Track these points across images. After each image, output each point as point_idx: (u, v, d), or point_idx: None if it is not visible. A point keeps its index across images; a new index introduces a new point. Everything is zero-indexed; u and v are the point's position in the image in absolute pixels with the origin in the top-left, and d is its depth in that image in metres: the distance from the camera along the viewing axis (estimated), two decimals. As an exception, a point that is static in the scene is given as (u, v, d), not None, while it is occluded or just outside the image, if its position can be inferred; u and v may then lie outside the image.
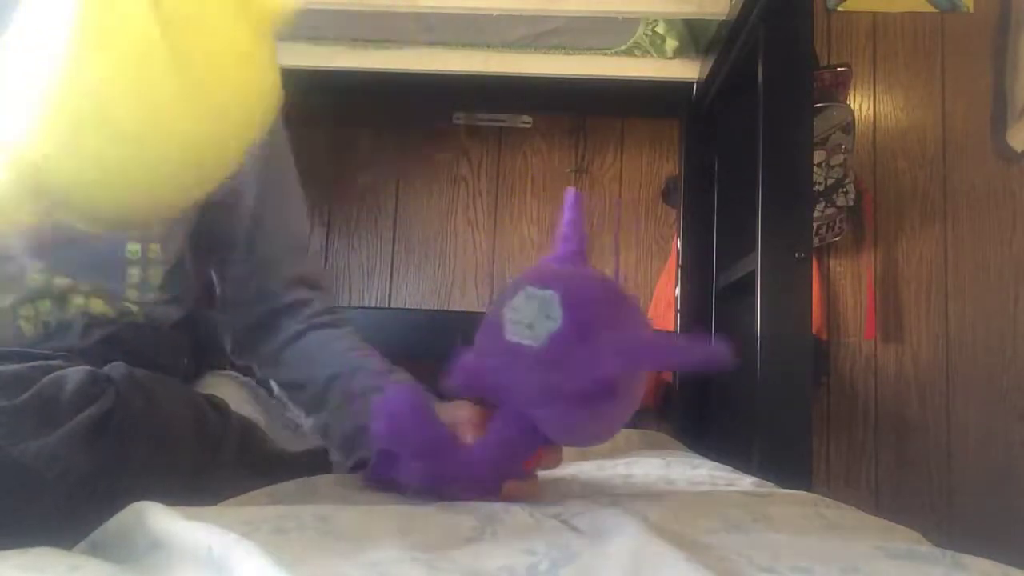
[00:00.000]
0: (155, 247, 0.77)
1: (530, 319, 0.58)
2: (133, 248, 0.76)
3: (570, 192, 0.68)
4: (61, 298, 0.73)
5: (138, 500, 0.46)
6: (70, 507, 0.47)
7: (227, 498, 0.55)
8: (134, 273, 0.76)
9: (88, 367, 0.54)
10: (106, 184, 0.44)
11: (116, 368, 0.56)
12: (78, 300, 0.73)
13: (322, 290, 0.89)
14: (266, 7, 0.46)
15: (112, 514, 0.45)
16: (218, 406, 0.69)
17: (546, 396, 0.58)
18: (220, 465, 0.63)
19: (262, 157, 0.85)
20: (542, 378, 0.58)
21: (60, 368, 0.53)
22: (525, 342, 0.58)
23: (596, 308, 0.60)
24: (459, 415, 0.65)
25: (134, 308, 0.77)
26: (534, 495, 0.62)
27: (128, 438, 0.51)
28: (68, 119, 0.42)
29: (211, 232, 0.84)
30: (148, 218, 0.55)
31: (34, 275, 0.70)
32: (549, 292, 0.59)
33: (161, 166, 0.45)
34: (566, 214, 0.68)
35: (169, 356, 0.77)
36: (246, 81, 0.48)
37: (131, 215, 0.50)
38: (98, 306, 0.74)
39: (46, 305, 0.72)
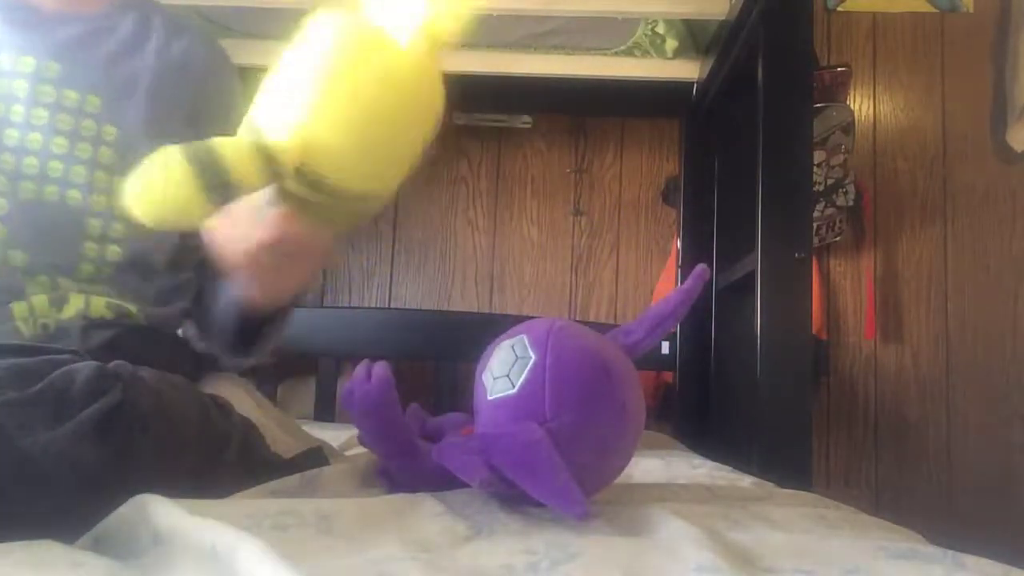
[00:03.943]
0: (119, 226, 0.77)
1: (506, 369, 0.59)
2: (94, 223, 0.76)
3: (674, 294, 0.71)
4: (59, 298, 0.73)
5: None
6: (76, 501, 0.47)
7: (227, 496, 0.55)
8: (91, 247, 0.76)
9: (96, 362, 0.54)
10: (361, 163, 0.62)
11: (122, 366, 0.56)
12: (77, 301, 0.73)
13: None
14: (441, 32, 0.61)
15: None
16: (223, 406, 0.69)
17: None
18: (223, 464, 0.63)
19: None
20: (525, 416, 0.58)
21: (69, 363, 0.53)
22: (505, 394, 0.59)
23: (568, 337, 0.61)
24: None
25: (132, 308, 0.77)
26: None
27: (135, 434, 0.51)
28: (337, 116, 0.60)
29: None
30: (384, 192, 0.67)
31: None
32: (519, 336, 0.60)
33: (399, 150, 0.64)
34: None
35: (169, 363, 0.77)
36: (433, 90, 0.64)
37: (373, 189, 0.65)
38: (97, 307, 0.74)
39: (43, 304, 0.72)
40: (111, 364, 0.56)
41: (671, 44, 1.71)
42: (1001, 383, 1.86)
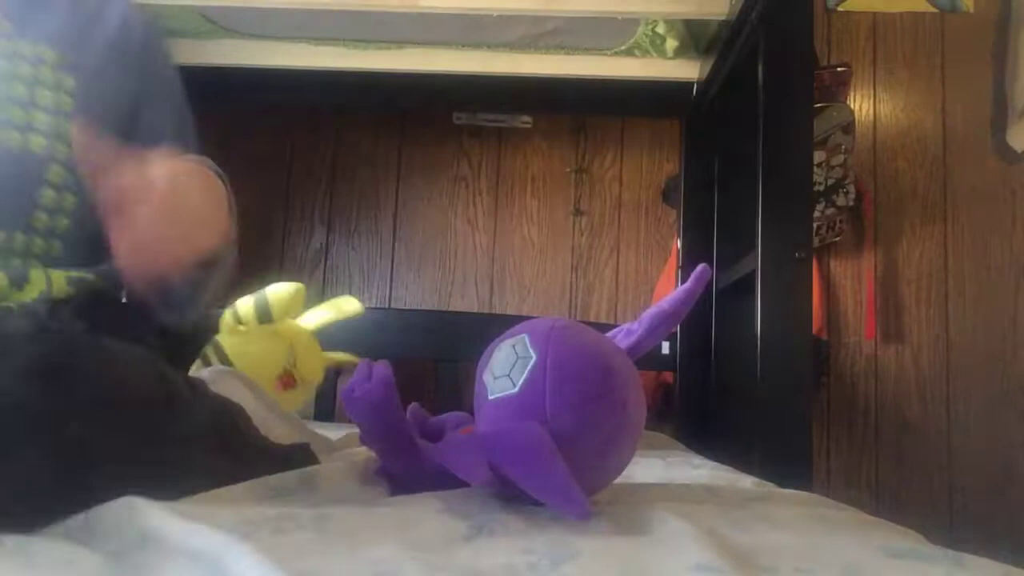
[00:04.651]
0: (71, 198, 0.78)
1: (507, 369, 0.59)
2: (56, 170, 0.77)
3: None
4: (19, 277, 0.72)
5: (93, 456, 0.45)
6: (26, 448, 0.45)
7: (199, 477, 0.53)
8: (49, 195, 0.76)
9: (32, 308, 0.54)
10: None
11: (73, 325, 0.55)
12: (38, 280, 0.73)
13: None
14: None
15: (65, 466, 0.44)
16: (192, 383, 0.67)
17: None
18: (186, 439, 0.59)
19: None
20: (526, 416, 0.58)
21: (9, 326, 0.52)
22: (506, 393, 0.59)
23: (569, 336, 0.60)
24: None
25: (91, 276, 0.77)
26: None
27: (78, 382, 0.49)
28: None
29: None
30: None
31: None
32: (520, 336, 0.60)
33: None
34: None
35: (135, 327, 0.76)
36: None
37: None
38: (59, 284, 0.74)
39: (2, 284, 0.71)
40: (61, 321, 0.55)
41: (671, 44, 1.71)
42: (1001, 383, 1.86)
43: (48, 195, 0.77)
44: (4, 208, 0.74)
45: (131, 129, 0.85)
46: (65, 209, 0.78)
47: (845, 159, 1.81)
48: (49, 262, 0.76)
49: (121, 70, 0.87)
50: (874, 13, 2.01)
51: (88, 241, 0.78)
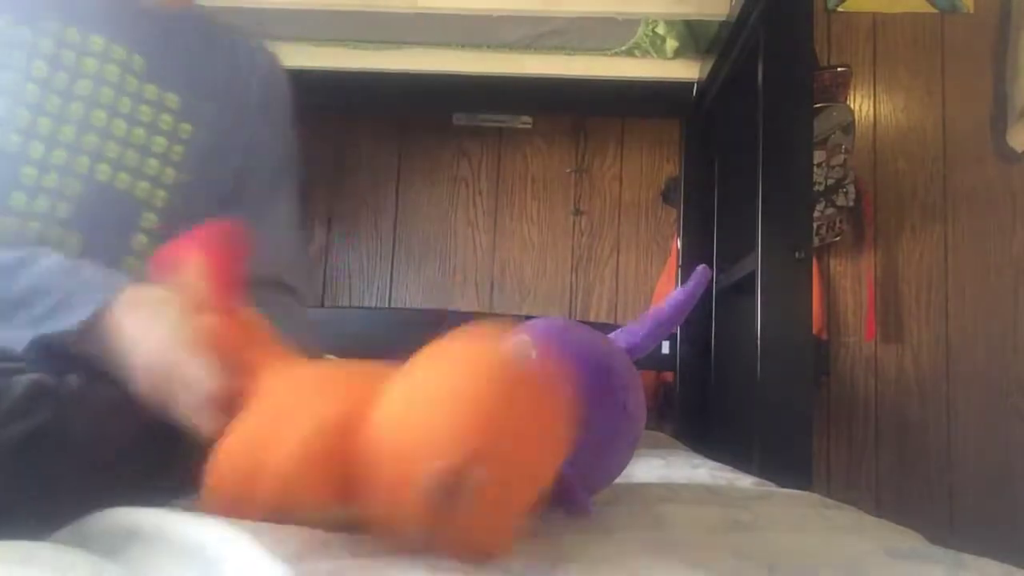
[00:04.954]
0: (154, 246, 0.77)
1: None
2: (149, 217, 0.76)
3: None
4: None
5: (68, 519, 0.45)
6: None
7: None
8: (141, 240, 0.75)
9: (39, 376, 0.53)
10: None
11: (70, 380, 0.54)
12: None
13: (296, 295, 0.88)
14: None
15: (39, 532, 0.44)
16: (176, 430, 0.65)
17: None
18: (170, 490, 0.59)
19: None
20: None
21: (14, 373, 0.52)
22: None
23: (570, 337, 0.60)
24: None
25: None
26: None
27: (56, 459, 0.50)
28: None
29: None
30: None
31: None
32: (520, 336, 0.60)
33: None
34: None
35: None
36: None
37: None
38: None
39: None
40: (64, 377, 0.54)
41: (671, 45, 1.71)
42: (1001, 383, 1.86)
43: (140, 241, 0.76)
44: (100, 247, 0.72)
45: (237, 182, 0.84)
46: (141, 253, 0.76)
47: (845, 159, 1.81)
48: None
49: (242, 124, 0.85)
50: (874, 13, 2.01)
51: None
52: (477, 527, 0.39)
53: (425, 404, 0.40)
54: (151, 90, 0.77)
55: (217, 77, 0.84)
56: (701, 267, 0.72)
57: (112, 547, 0.42)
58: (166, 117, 0.77)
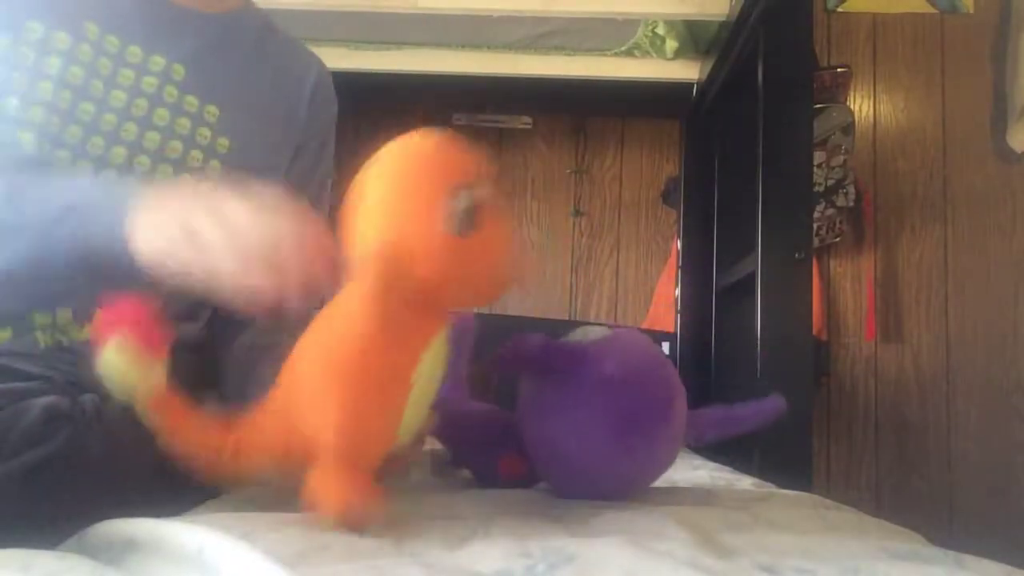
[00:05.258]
0: None
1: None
2: None
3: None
4: (84, 314, 0.71)
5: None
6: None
7: None
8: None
9: (54, 399, 0.52)
10: None
11: (85, 403, 0.54)
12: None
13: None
14: None
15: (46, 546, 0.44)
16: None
17: None
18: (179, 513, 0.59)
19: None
20: None
21: (31, 394, 0.51)
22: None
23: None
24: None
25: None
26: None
27: (76, 480, 0.50)
28: None
29: None
30: None
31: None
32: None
33: None
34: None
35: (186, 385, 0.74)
36: None
37: None
38: None
39: (66, 318, 0.69)
40: (80, 398, 0.54)
41: (671, 45, 1.71)
42: (1001, 383, 1.86)
43: None
44: None
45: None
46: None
47: (845, 160, 1.81)
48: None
49: (287, 140, 0.83)
50: (874, 13, 2.01)
51: (183, 298, 0.76)
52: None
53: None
54: (191, 101, 0.75)
55: (265, 85, 0.81)
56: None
57: (112, 557, 0.42)
58: (204, 131, 0.75)
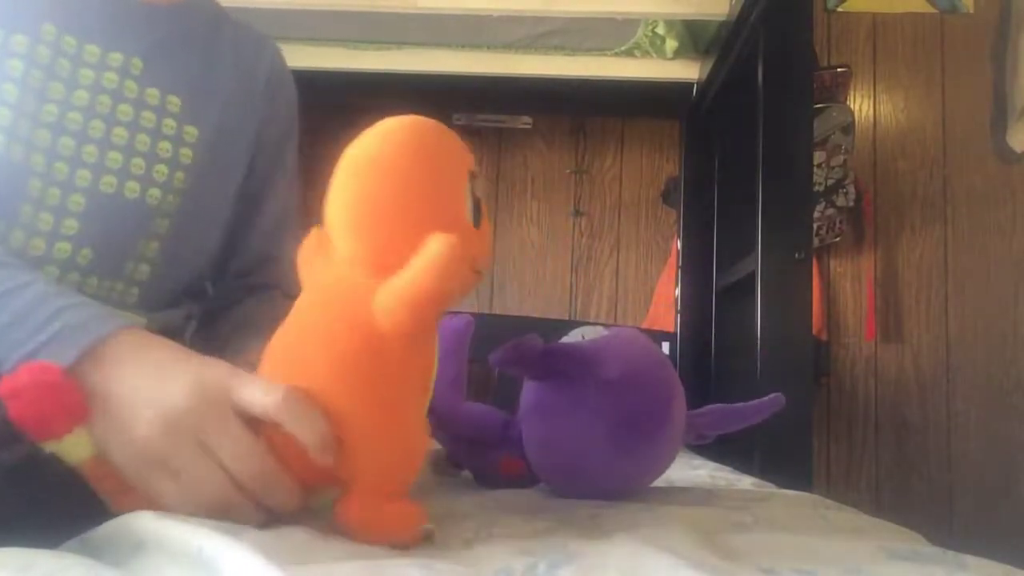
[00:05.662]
0: (156, 245, 0.76)
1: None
2: (161, 223, 0.75)
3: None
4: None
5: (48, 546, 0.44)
6: None
7: None
8: (152, 247, 0.75)
9: None
10: None
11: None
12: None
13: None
14: None
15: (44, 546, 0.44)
16: None
17: None
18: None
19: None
20: None
21: None
22: None
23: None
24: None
25: (142, 320, 0.75)
26: None
27: (48, 481, 0.49)
28: None
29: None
30: None
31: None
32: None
33: None
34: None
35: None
36: None
37: None
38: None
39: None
40: None
41: (671, 45, 1.71)
42: (1001, 383, 1.86)
43: (152, 247, 0.75)
44: (109, 257, 0.71)
45: (245, 180, 0.84)
46: (159, 260, 0.75)
47: (845, 160, 1.81)
48: (124, 308, 0.73)
49: (249, 116, 0.84)
50: (874, 13, 2.01)
51: (159, 287, 0.77)
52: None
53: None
54: (152, 94, 0.75)
55: (221, 69, 0.82)
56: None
57: (112, 557, 0.42)
58: (169, 121, 0.76)
